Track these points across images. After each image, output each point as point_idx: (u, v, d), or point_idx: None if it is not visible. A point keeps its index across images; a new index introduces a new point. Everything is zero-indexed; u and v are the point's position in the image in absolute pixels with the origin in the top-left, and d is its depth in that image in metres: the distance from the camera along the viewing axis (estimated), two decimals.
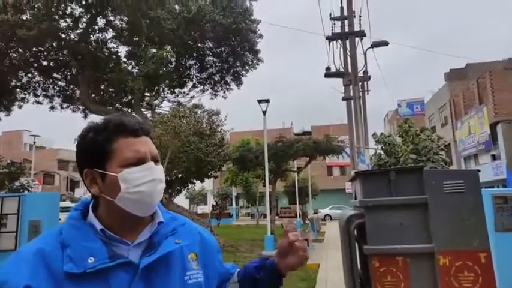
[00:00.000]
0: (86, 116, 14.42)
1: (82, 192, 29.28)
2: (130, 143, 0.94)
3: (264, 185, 16.24)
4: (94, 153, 0.95)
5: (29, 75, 13.20)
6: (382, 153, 14.60)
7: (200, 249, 1.05)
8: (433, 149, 12.81)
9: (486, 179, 17.05)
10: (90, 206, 0.99)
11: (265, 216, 23.12)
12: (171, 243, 0.97)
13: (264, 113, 13.45)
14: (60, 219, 7.03)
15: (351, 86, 15.64)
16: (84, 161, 0.97)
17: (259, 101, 13.45)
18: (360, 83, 16.39)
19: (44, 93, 13.82)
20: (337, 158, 21.13)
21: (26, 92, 13.68)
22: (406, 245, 3.97)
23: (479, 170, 4.21)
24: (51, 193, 9.49)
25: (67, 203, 24.27)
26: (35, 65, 12.35)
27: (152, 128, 1.10)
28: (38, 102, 13.87)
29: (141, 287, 0.89)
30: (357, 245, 4.40)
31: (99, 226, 0.93)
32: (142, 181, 0.92)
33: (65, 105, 14.42)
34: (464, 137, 25.53)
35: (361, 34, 15.14)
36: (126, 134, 0.94)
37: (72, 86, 13.89)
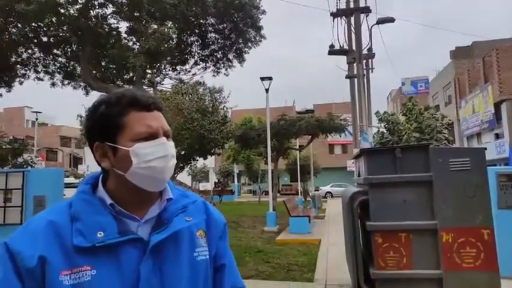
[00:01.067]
0: (87, 93, 14.32)
1: (85, 169, 29.49)
2: (143, 118, 0.92)
3: (266, 163, 16.28)
4: (106, 126, 0.93)
5: (29, 51, 13.02)
6: (385, 131, 14.54)
7: (207, 227, 1.04)
8: (436, 128, 12.75)
9: (489, 157, 17.00)
10: (100, 180, 0.98)
11: (267, 193, 23.31)
12: (182, 220, 0.96)
13: (267, 90, 13.33)
14: (64, 195, 7.10)
15: (354, 64, 15.43)
16: (95, 134, 0.95)
17: (262, 79, 13.31)
18: (364, 61, 16.16)
19: (45, 69, 13.67)
20: (340, 136, 21.07)
21: (26, 68, 13.54)
22: (409, 222, 4.00)
23: (485, 148, 4.20)
24: (56, 169, 9.56)
25: (71, 179, 24.56)
26: (35, 40, 12.17)
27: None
28: (39, 79, 13.75)
29: (150, 264, 0.88)
30: (359, 221, 4.45)
31: (109, 200, 0.92)
32: (154, 156, 0.91)
33: (66, 82, 14.29)
34: (468, 115, 25.37)
35: (367, 10, 14.80)
36: (139, 108, 0.93)
37: (72, 63, 13.73)
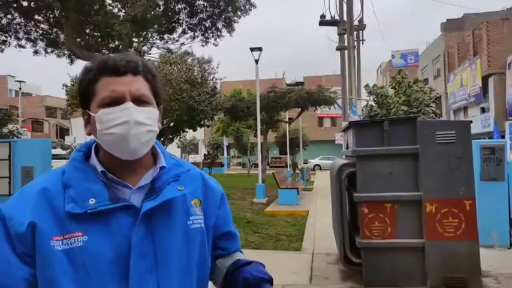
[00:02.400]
0: (72, 61, 13.90)
1: (72, 140, 29.09)
2: (110, 83, 0.90)
3: (256, 136, 16.29)
4: (82, 93, 0.95)
5: (9, 16, 12.48)
6: (374, 104, 14.59)
7: (203, 196, 1.04)
8: (424, 101, 12.84)
9: (474, 131, 17.28)
10: (93, 147, 0.98)
11: (256, 166, 23.49)
12: (174, 189, 0.96)
13: (257, 61, 13.15)
14: (52, 166, 7.04)
15: (345, 36, 15.24)
16: (80, 101, 0.98)
17: (252, 49, 13.08)
18: (355, 33, 15.96)
19: (27, 36, 13.17)
20: (329, 109, 21.17)
21: (7, 35, 13.02)
22: (395, 193, 4.11)
23: (471, 121, 4.27)
24: (43, 140, 9.42)
25: (58, 151, 24.27)
26: (15, 5, 11.65)
27: (152, 68, 1.02)
28: (21, 46, 13.25)
29: (142, 231, 0.89)
30: (347, 193, 4.55)
31: (100, 168, 0.92)
32: (114, 123, 0.88)
33: (49, 50, 13.82)
34: (456, 89, 25.57)
35: None
36: (108, 73, 0.91)
37: (55, 30, 13.24)
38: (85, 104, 0.94)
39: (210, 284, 1.08)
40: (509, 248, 5.46)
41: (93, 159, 0.95)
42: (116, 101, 0.89)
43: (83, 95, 0.95)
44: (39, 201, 0.88)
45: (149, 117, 0.92)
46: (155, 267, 0.90)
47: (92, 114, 0.92)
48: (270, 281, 0.98)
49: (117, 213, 0.88)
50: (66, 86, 16.69)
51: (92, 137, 0.97)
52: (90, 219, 0.86)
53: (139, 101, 0.91)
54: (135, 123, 0.89)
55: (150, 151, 0.99)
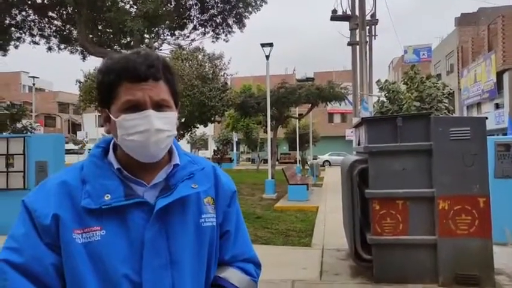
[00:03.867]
0: (84, 57, 14.08)
1: (84, 135, 29.44)
2: (131, 88, 0.90)
3: (265, 131, 16.29)
4: (101, 94, 0.96)
5: (23, 13, 12.67)
6: (385, 100, 14.44)
7: (216, 194, 1.05)
8: (437, 97, 12.66)
9: (488, 127, 17.04)
10: (111, 144, 1.00)
11: (265, 161, 23.47)
12: (187, 187, 0.97)
13: (267, 57, 13.10)
14: (65, 161, 7.15)
15: (357, 31, 15.09)
16: (98, 99, 1.00)
17: (262, 45, 13.03)
18: (367, 28, 15.80)
19: (40, 32, 13.37)
20: (339, 105, 20.92)
21: (21, 32, 13.22)
22: (407, 189, 4.08)
23: (486, 117, 4.21)
24: (56, 135, 9.57)
25: (70, 146, 24.61)
26: (29, 2, 11.81)
27: (171, 66, 1.02)
28: (35, 42, 13.46)
29: (156, 227, 0.91)
30: (358, 189, 4.53)
31: (116, 165, 0.95)
32: (135, 130, 0.90)
33: (62, 46, 14.01)
34: (470, 85, 25.15)
35: None
36: (130, 78, 0.91)
37: (68, 26, 13.40)
38: (104, 104, 0.95)
39: None
40: None
41: (111, 156, 0.97)
42: (136, 106, 0.90)
43: (103, 95, 0.95)
44: (60, 194, 0.91)
45: (168, 123, 0.94)
46: (170, 264, 0.91)
47: (112, 117, 0.93)
48: None
49: (131, 210, 0.90)
50: (80, 82, 16.90)
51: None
52: (106, 215, 0.89)
53: (159, 105, 0.92)
54: (155, 131, 0.90)
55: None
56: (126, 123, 0.90)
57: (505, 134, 14.59)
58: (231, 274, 1.04)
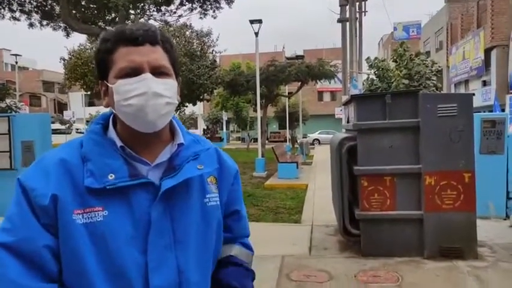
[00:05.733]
0: (68, 34, 13.64)
1: (71, 114, 28.88)
2: (128, 52, 0.88)
3: (255, 110, 16.22)
4: (99, 64, 0.93)
5: None
6: (375, 78, 14.46)
7: (219, 174, 1.04)
8: (425, 74, 12.73)
9: (475, 104, 17.28)
10: (111, 120, 0.96)
11: (255, 140, 23.49)
12: (193, 168, 0.95)
13: (256, 34, 12.90)
14: (52, 141, 7.04)
15: (347, 7, 14.90)
16: (97, 71, 0.96)
17: (251, 21, 12.80)
18: (357, 3, 15.59)
19: (21, 8, 12.85)
20: (329, 83, 20.95)
21: (0, 7, 12.70)
22: (395, 166, 4.14)
23: (473, 94, 4.25)
24: (42, 114, 9.38)
25: (57, 125, 24.18)
26: None
27: (170, 38, 1.00)
28: (15, 18, 12.95)
29: (161, 208, 0.89)
30: (347, 166, 4.58)
31: (119, 143, 0.91)
32: (132, 94, 0.86)
33: (44, 23, 13.51)
34: (458, 62, 25.26)
35: None
36: (126, 42, 0.88)
37: (50, 1, 12.91)
38: (102, 75, 0.92)
39: None
40: (504, 219, 5.56)
41: (111, 132, 0.94)
42: (134, 71, 0.87)
43: (100, 66, 0.93)
44: (59, 172, 0.87)
45: (168, 89, 0.90)
46: (174, 244, 0.91)
47: (109, 85, 0.90)
48: None
49: (136, 190, 0.88)
50: (64, 59, 16.44)
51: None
52: (109, 195, 0.86)
53: (158, 72, 0.89)
54: (153, 94, 0.87)
55: (168, 126, 0.97)
56: (123, 88, 0.87)
57: (491, 111, 14.81)
58: (238, 251, 1.09)
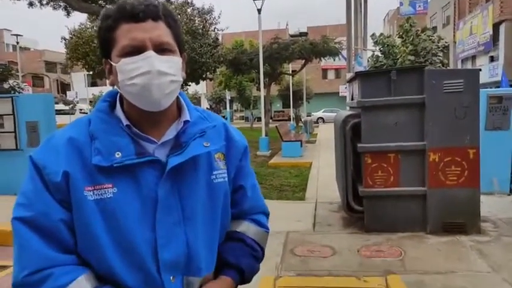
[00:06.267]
0: (68, 13, 13.46)
1: (74, 95, 28.83)
2: (130, 29, 0.86)
3: (258, 89, 16.09)
4: (101, 42, 0.92)
5: None
6: (380, 55, 14.25)
7: (227, 150, 1.04)
8: (432, 50, 12.51)
9: (481, 80, 17.06)
10: (118, 98, 0.96)
11: (259, 119, 23.42)
12: (200, 145, 0.95)
13: (259, 11, 12.65)
14: (56, 121, 7.06)
15: None
16: (100, 50, 0.94)
17: None
18: None
19: None
20: (334, 60, 20.60)
21: None
22: (399, 143, 4.13)
23: (480, 69, 4.18)
24: (45, 94, 9.36)
25: (60, 106, 24.17)
26: None
27: (173, 12, 0.96)
28: None
29: (168, 185, 0.90)
30: (351, 143, 4.58)
31: (125, 121, 0.92)
32: (136, 73, 0.85)
33: (44, 1, 13.33)
34: (465, 37, 24.74)
35: None
36: (126, 19, 0.86)
37: None
38: (106, 53, 0.91)
39: None
40: (508, 195, 5.58)
41: (118, 111, 0.94)
42: (137, 49, 0.86)
43: (102, 44, 0.91)
44: (68, 150, 0.88)
45: (172, 67, 0.89)
46: (183, 221, 0.92)
47: (113, 64, 0.89)
48: (241, 271, 1.01)
49: (143, 168, 0.88)
50: (65, 39, 16.28)
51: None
52: (117, 173, 0.87)
53: (161, 49, 0.87)
54: (157, 72, 0.86)
55: (175, 103, 0.96)
56: (126, 67, 0.86)
57: (498, 87, 14.61)
58: (247, 228, 1.09)
